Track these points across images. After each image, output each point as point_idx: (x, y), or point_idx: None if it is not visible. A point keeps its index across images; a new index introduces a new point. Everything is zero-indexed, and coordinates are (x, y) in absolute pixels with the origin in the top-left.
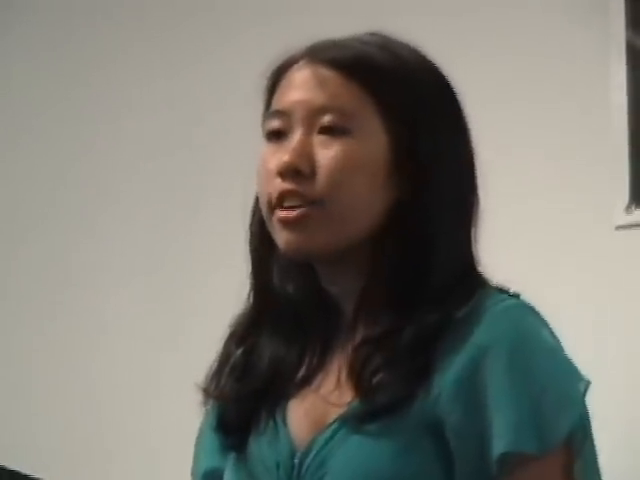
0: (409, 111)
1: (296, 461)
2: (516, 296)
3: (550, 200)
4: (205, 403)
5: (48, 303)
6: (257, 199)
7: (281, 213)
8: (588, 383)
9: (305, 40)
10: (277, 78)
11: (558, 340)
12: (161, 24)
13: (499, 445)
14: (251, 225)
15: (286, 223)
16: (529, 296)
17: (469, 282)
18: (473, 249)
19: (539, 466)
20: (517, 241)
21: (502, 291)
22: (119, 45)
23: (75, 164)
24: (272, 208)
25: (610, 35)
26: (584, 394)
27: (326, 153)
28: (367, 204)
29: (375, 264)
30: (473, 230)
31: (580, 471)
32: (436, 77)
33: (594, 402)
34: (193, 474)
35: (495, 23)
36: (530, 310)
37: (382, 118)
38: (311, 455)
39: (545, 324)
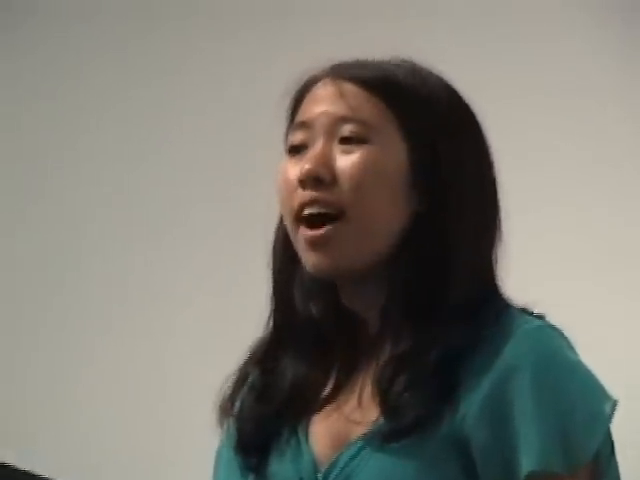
0: (429, 128)
1: (319, 476)
2: (541, 317)
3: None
4: (221, 423)
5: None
6: (280, 219)
7: (306, 232)
8: (615, 403)
9: (308, 45)
10: (300, 96)
11: (582, 360)
12: (167, 26)
13: (527, 464)
14: (274, 246)
15: (311, 242)
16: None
17: (493, 302)
18: (494, 267)
19: None
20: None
21: (527, 312)
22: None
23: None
24: (295, 221)
25: None
26: (611, 414)
27: (347, 160)
28: (388, 214)
29: (394, 280)
30: (494, 248)
31: None
32: (457, 100)
33: None
34: None
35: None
36: (556, 331)
37: (402, 133)
38: (335, 472)
39: (570, 345)
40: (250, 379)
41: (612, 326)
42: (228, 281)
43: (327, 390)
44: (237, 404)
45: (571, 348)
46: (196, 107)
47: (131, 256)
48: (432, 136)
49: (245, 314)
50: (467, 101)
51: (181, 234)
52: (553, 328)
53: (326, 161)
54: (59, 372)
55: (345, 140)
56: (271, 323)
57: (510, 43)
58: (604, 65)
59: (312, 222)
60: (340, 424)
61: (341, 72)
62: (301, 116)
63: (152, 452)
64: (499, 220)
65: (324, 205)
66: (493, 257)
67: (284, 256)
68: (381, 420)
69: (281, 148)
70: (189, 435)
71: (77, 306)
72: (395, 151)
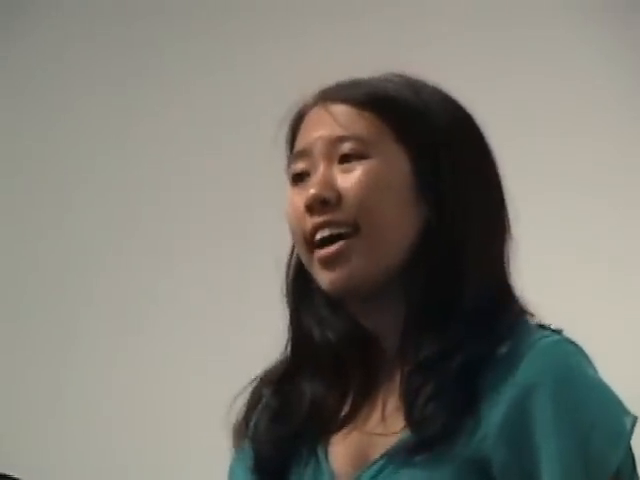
0: (427, 137)
1: None
2: (558, 332)
3: None
4: (236, 444)
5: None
6: (292, 250)
7: (320, 252)
8: (635, 418)
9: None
10: (296, 126)
11: (601, 376)
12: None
13: None
14: (287, 276)
15: (326, 261)
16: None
17: (509, 309)
18: (507, 272)
19: None
20: None
21: (543, 327)
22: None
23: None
24: (309, 246)
25: None
26: (631, 429)
27: (348, 177)
28: (398, 225)
29: (410, 292)
30: (505, 251)
31: None
32: (455, 107)
33: None
34: None
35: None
36: (573, 346)
37: (401, 144)
38: None
39: (588, 360)
40: (264, 400)
41: (616, 334)
42: (236, 293)
43: (345, 411)
44: (251, 424)
45: (590, 363)
46: (207, 116)
47: (136, 264)
48: (432, 145)
49: (251, 327)
50: (465, 108)
51: (188, 246)
52: (571, 343)
53: (329, 183)
54: (64, 380)
55: (344, 159)
56: (289, 349)
57: (508, 48)
58: (606, 68)
59: (325, 245)
60: (361, 443)
61: (331, 95)
62: (298, 145)
63: (157, 460)
64: (508, 223)
65: (335, 226)
66: (505, 261)
67: (298, 285)
68: (405, 433)
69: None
70: (196, 443)
71: (83, 315)
72: (397, 163)
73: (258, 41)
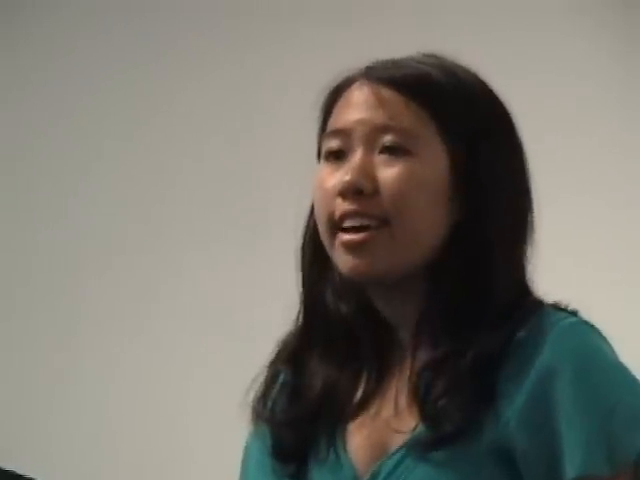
0: (469, 133)
1: None
2: (574, 313)
3: None
4: (254, 423)
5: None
6: (310, 216)
7: (345, 236)
8: None
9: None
10: (334, 98)
11: (619, 357)
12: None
13: (570, 469)
14: (303, 243)
15: (350, 247)
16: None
17: (526, 302)
18: (527, 268)
19: None
20: None
21: (559, 309)
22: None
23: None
24: (333, 229)
25: None
26: None
27: (389, 172)
28: (430, 225)
29: (434, 288)
30: (528, 250)
31: None
32: (494, 100)
33: None
34: None
35: None
36: (591, 327)
37: (442, 139)
38: None
39: (606, 341)
40: (281, 378)
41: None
42: (240, 281)
43: (359, 395)
44: (269, 404)
45: (608, 344)
46: (217, 108)
47: (145, 258)
48: (472, 141)
49: (258, 318)
50: (500, 98)
51: (188, 239)
52: (588, 324)
53: (367, 172)
54: (72, 375)
55: (386, 150)
56: (300, 319)
57: (506, 46)
58: (604, 64)
59: (352, 231)
60: (378, 432)
61: (376, 74)
62: (337, 122)
63: (164, 455)
64: (533, 220)
65: (366, 217)
66: (527, 257)
67: (314, 253)
68: (421, 428)
69: (296, 156)
70: (203, 437)
71: (88, 304)
72: (436, 160)
73: (269, 38)
